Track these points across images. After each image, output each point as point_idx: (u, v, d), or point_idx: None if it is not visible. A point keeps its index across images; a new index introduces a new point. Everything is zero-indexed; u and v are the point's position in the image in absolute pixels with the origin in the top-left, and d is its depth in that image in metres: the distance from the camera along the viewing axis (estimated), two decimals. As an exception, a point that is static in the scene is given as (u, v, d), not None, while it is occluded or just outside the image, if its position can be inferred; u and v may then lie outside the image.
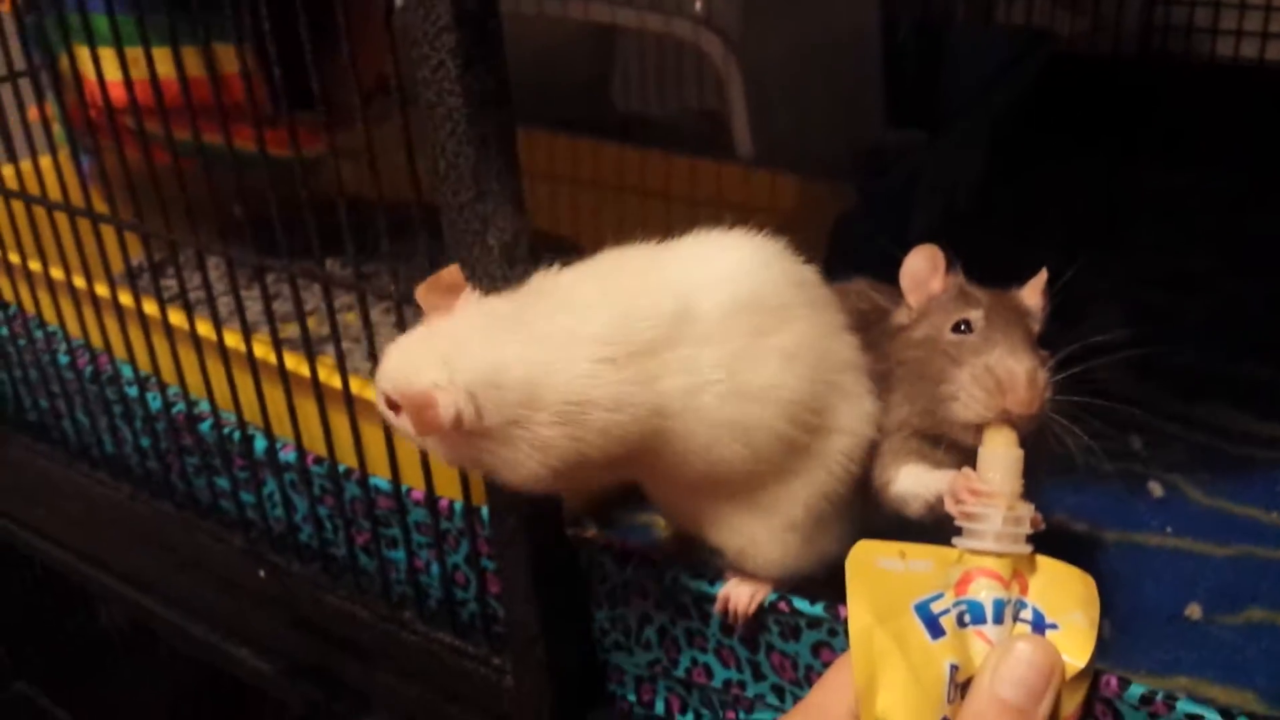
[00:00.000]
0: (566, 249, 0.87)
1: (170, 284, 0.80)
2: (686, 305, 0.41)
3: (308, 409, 0.56)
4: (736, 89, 0.85)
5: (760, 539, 0.45)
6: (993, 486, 0.39)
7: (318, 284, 0.52)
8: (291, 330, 0.63)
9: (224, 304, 0.65)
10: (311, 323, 0.66)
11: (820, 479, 0.44)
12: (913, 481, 0.44)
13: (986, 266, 0.47)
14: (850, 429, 0.44)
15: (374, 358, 0.50)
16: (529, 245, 0.44)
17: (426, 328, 0.41)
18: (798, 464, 0.44)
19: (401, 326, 0.48)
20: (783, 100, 0.88)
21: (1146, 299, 0.79)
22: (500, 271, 0.42)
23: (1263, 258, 0.83)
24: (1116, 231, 0.90)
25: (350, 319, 0.77)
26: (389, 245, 0.47)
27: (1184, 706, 0.38)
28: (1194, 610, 0.52)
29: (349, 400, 0.53)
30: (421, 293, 0.41)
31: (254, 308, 0.74)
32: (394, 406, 0.41)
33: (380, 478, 0.55)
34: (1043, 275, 0.46)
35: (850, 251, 0.74)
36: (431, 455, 0.45)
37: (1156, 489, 0.61)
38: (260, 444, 0.60)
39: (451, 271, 0.42)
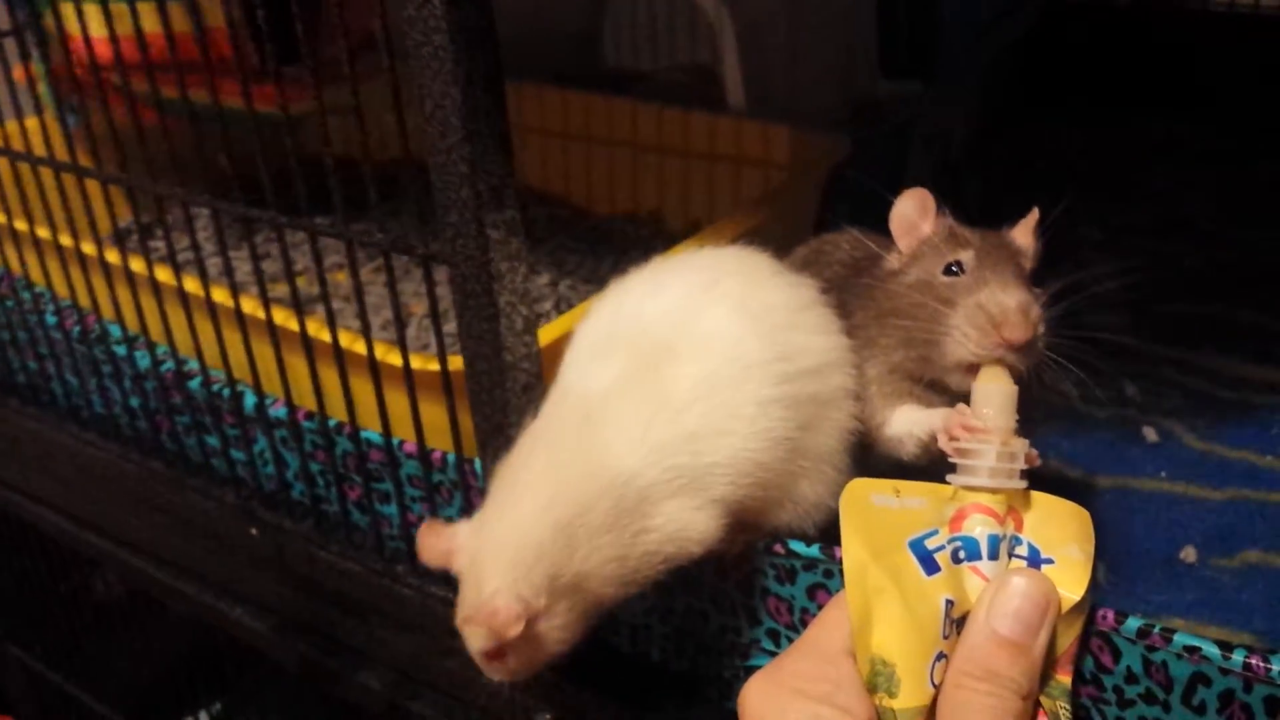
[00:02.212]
0: (556, 204, 0.87)
1: (159, 246, 0.79)
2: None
3: (297, 365, 0.55)
4: (729, 40, 0.84)
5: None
6: (987, 422, 0.39)
7: (306, 238, 0.51)
8: (281, 290, 0.62)
9: (212, 266, 0.64)
10: (301, 283, 0.65)
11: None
12: (906, 421, 0.43)
13: (981, 216, 0.46)
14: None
15: (362, 307, 0.49)
16: (518, 195, 0.43)
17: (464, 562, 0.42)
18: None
19: (391, 279, 0.48)
20: (776, 53, 0.87)
21: (1143, 247, 0.78)
22: (490, 216, 0.42)
23: (1260, 205, 0.83)
24: (1113, 180, 0.89)
25: (340, 278, 0.76)
26: (377, 200, 0.46)
27: (1181, 639, 0.37)
28: (1189, 553, 0.52)
29: (338, 354, 0.52)
30: (423, 551, 0.43)
31: (243, 268, 0.73)
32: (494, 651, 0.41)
33: (371, 431, 0.55)
34: (1034, 215, 0.45)
35: (845, 202, 0.74)
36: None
37: (1151, 434, 0.61)
38: (250, 400, 0.60)
39: (431, 524, 0.43)
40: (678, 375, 0.41)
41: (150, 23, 0.53)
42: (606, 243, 0.81)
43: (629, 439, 0.40)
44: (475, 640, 0.41)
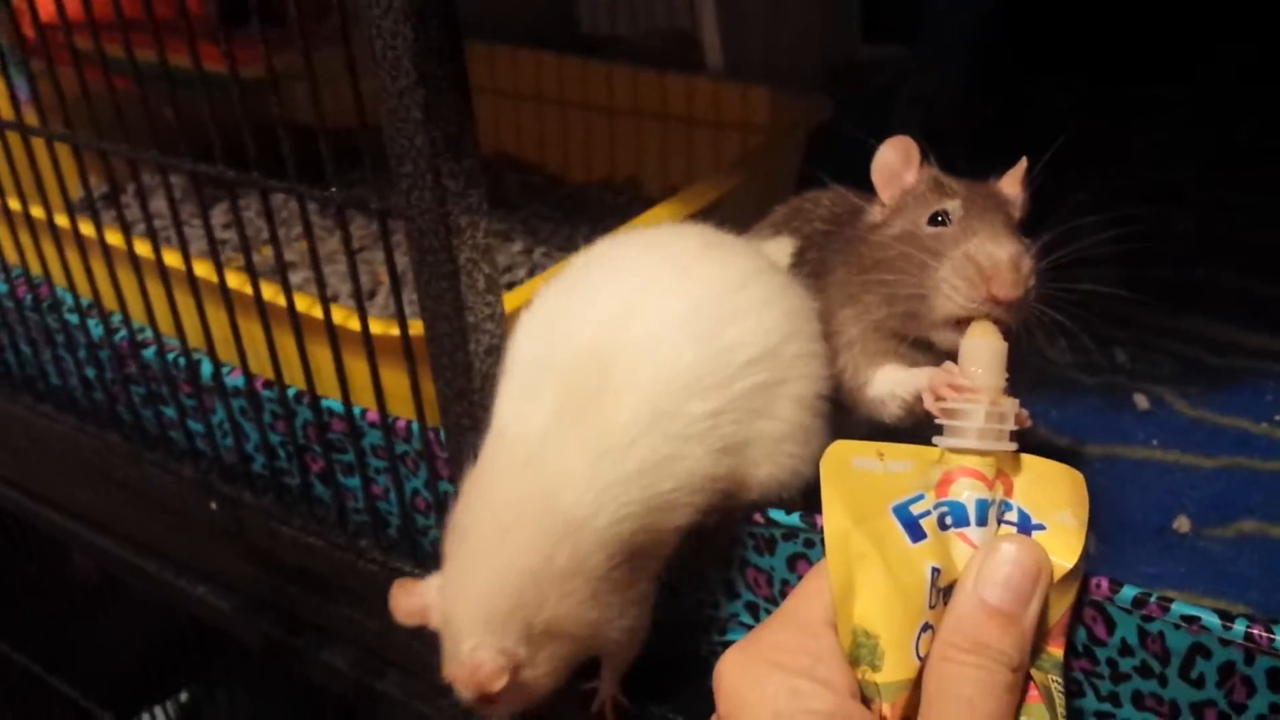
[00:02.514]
0: (531, 170, 0.85)
1: (110, 212, 0.76)
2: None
3: (255, 332, 0.53)
4: (707, 2, 0.81)
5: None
6: (975, 381, 0.37)
7: (271, 206, 0.48)
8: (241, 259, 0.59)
9: (170, 233, 0.61)
10: (267, 252, 0.63)
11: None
12: (890, 382, 0.41)
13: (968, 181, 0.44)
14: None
15: (317, 268, 0.47)
16: (477, 149, 0.40)
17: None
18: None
19: (346, 237, 0.45)
20: (755, 16, 0.85)
21: (1132, 211, 0.76)
22: (446, 166, 0.39)
23: (1247, 169, 0.81)
24: (1100, 143, 0.87)
25: (301, 246, 0.73)
26: (345, 170, 0.44)
27: (1179, 609, 0.36)
28: (1182, 523, 0.50)
29: (294, 319, 0.50)
30: (396, 610, 0.42)
31: (199, 240, 0.71)
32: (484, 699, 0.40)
33: (332, 400, 0.52)
34: (1022, 164, 0.43)
35: (827, 164, 0.72)
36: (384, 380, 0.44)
37: (1142, 401, 0.59)
38: (207, 369, 0.57)
39: (401, 583, 0.42)
40: (616, 407, 0.39)
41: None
42: (582, 210, 0.78)
43: (576, 484, 0.39)
44: (464, 695, 0.40)
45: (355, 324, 0.47)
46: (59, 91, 0.56)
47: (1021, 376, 0.38)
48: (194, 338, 0.56)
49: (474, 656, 0.38)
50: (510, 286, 0.54)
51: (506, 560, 0.39)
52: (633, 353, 0.39)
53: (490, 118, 0.86)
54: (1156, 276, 0.69)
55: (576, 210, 0.78)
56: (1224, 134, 0.87)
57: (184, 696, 1.02)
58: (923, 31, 0.90)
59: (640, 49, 0.95)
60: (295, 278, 0.66)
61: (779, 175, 0.71)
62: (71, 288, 0.63)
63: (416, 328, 0.46)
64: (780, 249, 0.49)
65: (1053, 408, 0.58)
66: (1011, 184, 0.43)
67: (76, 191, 0.60)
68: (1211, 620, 0.35)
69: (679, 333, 0.40)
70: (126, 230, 0.56)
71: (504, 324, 0.44)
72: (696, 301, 0.40)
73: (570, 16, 1.02)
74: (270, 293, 0.51)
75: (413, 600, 0.42)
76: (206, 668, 0.96)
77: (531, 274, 0.71)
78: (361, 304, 0.46)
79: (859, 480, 0.36)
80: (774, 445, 0.42)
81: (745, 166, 0.67)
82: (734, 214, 0.59)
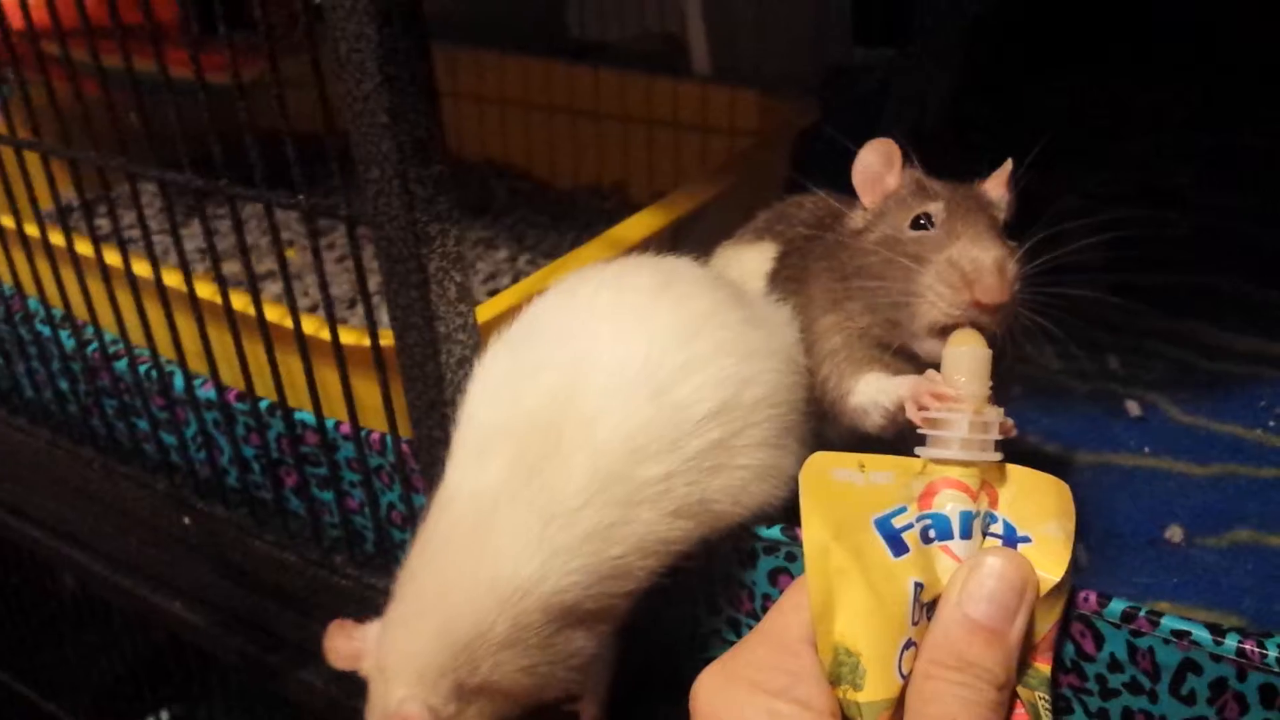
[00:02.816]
0: (518, 176, 0.84)
1: (81, 223, 0.75)
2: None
3: (226, 342, 0.51)
4: (693, 5, 0.81)
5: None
6: (958, 390, 0.36)
7: (252, 215, 0.47)
8: (226, 268, 0.58)
9: (137, 249, 0.60)
10: (233, 266, 0.61)
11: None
12: (872, 390, 0.40)
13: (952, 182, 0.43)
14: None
15: (286, 278, 0.46)
16: (447, 154, 0.39)
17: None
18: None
19: (315, 245, 0.44)
20: (745, 19, 0.84)
21: (1127, 214, 0.75)
22: (414, 172, 0.38)
23: (1247, 171, 0.80)
24: (1095, 147, 0.86)
25: (292, 254, 0.72)
26: (302, 175, 0.42)
27: (1169, 623, 0.34)
28: (1175, 532, 0.49)
29: (264, 329, 0.49)
30: (329, 652, 0.42)
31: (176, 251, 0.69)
32: None
33: (306, 412, 0.51)
34: (1008, 165, 0.42)
35: (814, 168, 0.71)
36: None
37: (1134, 408, 0.58)
38: (179, 382, 0.56)
39: (339, 625, 0.42)
40: (566, 470, 0.38)
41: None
42: (570, 216, 0.78)
43: (522, 550, 0.38)
44: None
45: (327, 334, 0.46)
46: (26, 99, 0.55)
47: (1011, 382, 0.37)
48: (166, 349, 0.55)
49: (401, 709, 0.38)
50: (495, 294, 0.53)
51: (445, 622, 0.38)
52: (583, 414, 0.38)
53: (477, 124, 0.85)
54: (1150, 281, 0.68)
55: (564, 216, 0.78)
56: (1222, 136, 0.86)
57: (165, 715, 1.00)
58: (914, 33, 0.89)
59: (630, 53, 0.94)
60: (276, 286, 0.65)
61: (767, 179, 0.70)
62: (43, 299, 0.62)
63: (388, 338, 0.45)
64: (762, 255, 0.48)
65: (1043, 415, 0.57)
66: (996, 185, 0.42)
67: (48, 202, 0.58)
68: (1202, 635, 0.34)
69: (629, 392, 0.38)
70: (96, 241, 0.55)
71: (478, 334, 0.43)
72: (647, 357, 0.39)
73: (560, 21, 1.02)
74: (241, 303, 0.50)
75: (349, 644, 0.42)
76: (188, 686, 0.95)
77: (517, 281, 0.70)
78: (331, 314, 0.45)
79: (839, 493, 0.35)
80: (737, 492, 0.40)
81: (731, 171, 0.66)
82: (721, 218, 0.58)
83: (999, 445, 0.36)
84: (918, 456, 0.36)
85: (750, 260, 0.48)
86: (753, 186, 0.67)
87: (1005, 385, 0.38)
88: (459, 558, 0.38)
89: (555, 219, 0.77)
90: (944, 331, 0.38)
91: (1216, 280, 0.68)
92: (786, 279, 0.46)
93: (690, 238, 0.60)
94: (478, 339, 0.43)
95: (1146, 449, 0.55)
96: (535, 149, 0.83)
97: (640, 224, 0.58)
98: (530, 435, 0.38)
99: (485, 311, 0.46)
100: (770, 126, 0.72)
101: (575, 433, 0.38)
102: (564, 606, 0.38)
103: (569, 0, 1.01)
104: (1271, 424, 0.55)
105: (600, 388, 0.38)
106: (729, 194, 0.63)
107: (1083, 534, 0.47)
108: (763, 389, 0.40)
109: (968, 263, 0.37)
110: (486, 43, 0.85)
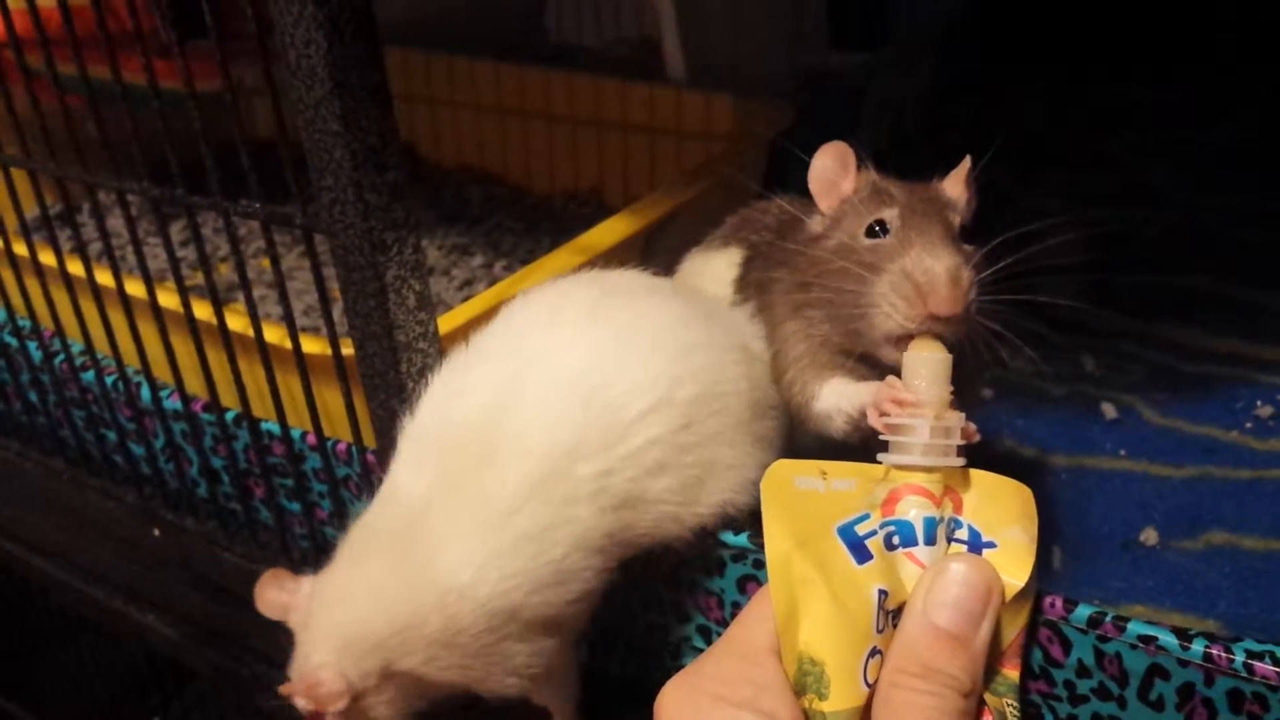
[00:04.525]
0: (493, 182, 0.83)
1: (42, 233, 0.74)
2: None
3: (190, 352, 0.51)
4: (667, 9, 0.80)
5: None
6: (919, 395, 0.35)
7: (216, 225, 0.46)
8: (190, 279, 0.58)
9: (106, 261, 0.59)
10: (221, 274, 0.61)
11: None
12: (835, 396, 0.40)
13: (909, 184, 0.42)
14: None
15: (246, 289, 0.45)
16: (401, 152, 0.39)
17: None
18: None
19: (273, 254, 0.44)
20: (720, 23, 0.83)
21: (1102, 216, 0.75)
22: (368, 179, 0.38)
23: (1227, 170, 0.80)
24: (1074, 147, 0.86)
25: (265, 264, 0.71)
26: (257, 183, 0.42)
27: (1135, 628, 0.34)
28: (1150, 535, 0.49)
29: (225, 337, 0.48)
30: (260, 601, 0.42)
31: (151, 260, 0.69)
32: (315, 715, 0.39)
33: (272, 422, 0.51)
34: (966, 163, 0.42)
35: (788, 172, 0.71)
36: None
37: (1110, 410, 0.57)
38: (146, 393, 0.55)
39: (274, 573, 0.42)
40: (499, 474, 0.38)
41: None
42: (546, 221, 0.77)
43: (454, 553, 0.38)
44: (298, 704, 0.39)
45: (289, 344, 0.45)
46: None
47: (975, 386, 0.37)
48: (132, 360, 0.54)
49: (316, 674, 0.38)
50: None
51: (383, 606, 0.38)
52: (518, 419, 0.38)
53: (452, 130, 0.84)
54: (1128, 281, 0.68)
55: (540, 222, 0.77)
56: (1201, 135, 0.86)
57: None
58: (891, 35, 0.88)
59: (607, 58, 0.94)
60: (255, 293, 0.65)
61: (741, 184, 0.70)
62: (9, 310, 0.61)
63: (350, 347, 0.44)
64: (728, 261, 0.48)
65: (1019, 417, 0.57)
66: (955, 184, 0.41)
67: (11, 216, 0.58)
68: (1169, 640, 0.33)
69: (561, 400, 0.38)
70: (59, 252, 0.54)
71: (439, 342, 0.43)
72: (579, 367, 0.39)
73: (538, 26, 1.01)
74: (204, 313, 0.50)
75: (280, 595, 0.41)
76: (168, 699, 0.94)
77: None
78: (292, 324, 0.44)
79: (802, 501, 0.35)
80: (690, 489, 0.40)
81: (704, 176, 0.66)
82: (695, 223, 0.57)
83: (962, 450, 0.35)
84: (880, 463, 0.36)
85: (717, 266, 0.48)
86: (726, 191, 0.67)
87: (971, 388, 0.37)
88: (394, 553, 0.38)
89: (531, 225, 0.77)
90: (902, 340, 0.37)
91: (1194, 280, 0.68)
92: (751, 285, 0.45)
93: (664, 244, 0.60)
94: (439, 347, 0.43)
95: (1123, 451, 0.54)
96: (511, 155, 0.83)
97: (611, 230, 0.58)
98: (467, 443, 0.38)
99: (447, 321, 0.46)
100: (744, 131, 0.71)
101: (509, 441, 0.38)
102: (506, 611, 0.38)
103: (547, 5, 1.01)
104: (1249, 425, 0.55)
105: (534, 399, 0.38)
106: (702, 199, 0.63)
107: (1058, 537, 0.47)
108: (698, 386, 0.40)
109: (921, 273, 0.36)
110: (464, 48, 0.84)
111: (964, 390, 0.36)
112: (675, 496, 0.40)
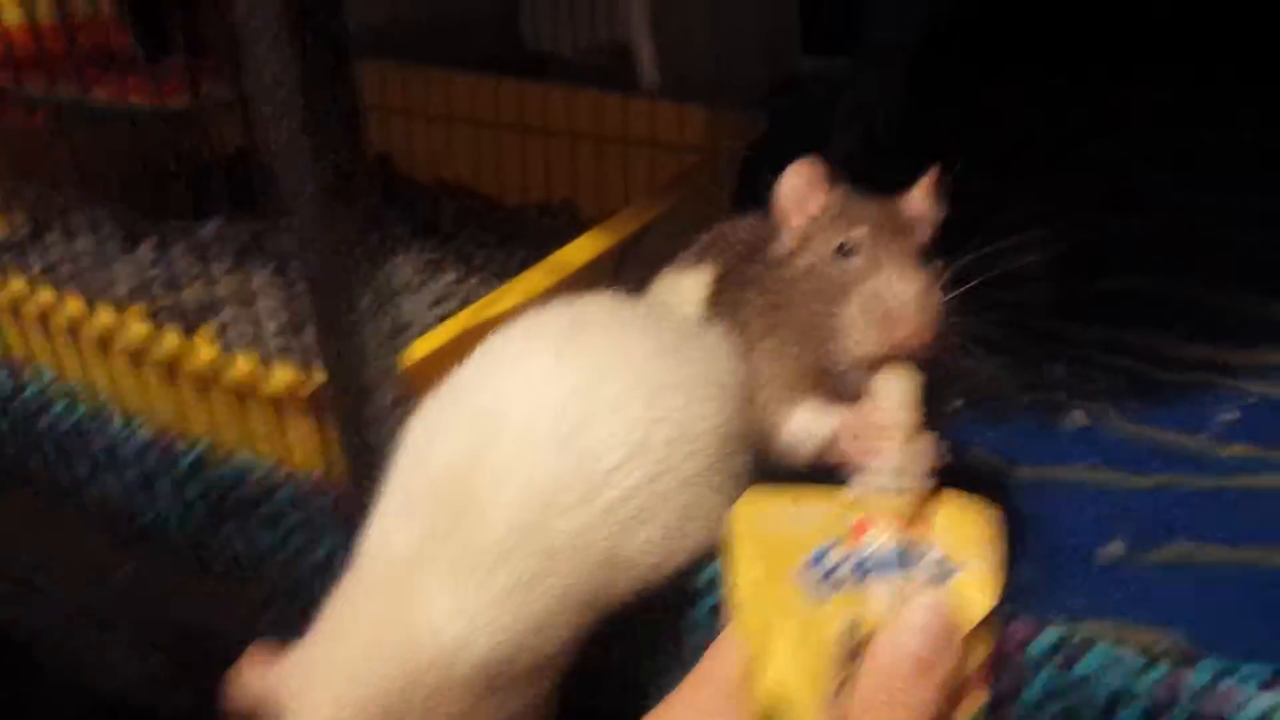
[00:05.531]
0: (465, 195, 0.83)
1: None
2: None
3: (161, 386, 0.50)
4: (640, 15, 0.80)
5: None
6: (888, 419, 0.35)
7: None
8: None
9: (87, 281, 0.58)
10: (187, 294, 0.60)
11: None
12: (805, 421, 0.40)
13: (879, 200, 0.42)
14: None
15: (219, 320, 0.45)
16: (374, 175, 0.38)
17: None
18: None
19: (246, 278, 0.43)
20: (693, 29, 0.83)
21: (1079, 221, 0.75)
22: (341, 208, 0.37)
23: (1211, 173, 0.79)
24: (1054, 150, 0.86)
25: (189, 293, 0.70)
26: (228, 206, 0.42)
27: (1100, 652, 0.34)
28: (1117, 547, 0.49)
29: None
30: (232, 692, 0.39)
31: (125, 282, 0.68)
32: None
33: (243, 455, 0.50)
34: (933, 175, 0.42)
35: (760, 184, 0.71)
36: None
37: (1079, 418, 0.58)
38: (116, 426, 0.55)
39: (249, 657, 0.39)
40: (483, 525, 0.37)
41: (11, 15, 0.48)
42: (519, 235, 0.77)
43: (441, 610, 0.37)
44: None
45: (258, 378, 0.45)
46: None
47: (948, 397, 0.37)
48: (104, 390, 0.54)
49: None
50: (443, 319, 0.53)
51: (373, 674, 0.36)
52: (495, 470, 0.37)
53: (424, 141, 0.84)
54: (1103, 287, 0.68)
55: (512, 235, 0.77)
56: (1186, 138, 0.86)
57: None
58: (864, 40, 0.88)
59: (581, 67, 0.94)
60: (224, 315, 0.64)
61: (714, 195, 0.70)
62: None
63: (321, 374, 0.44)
64: (700, 281, 0.48)
65: (988, 427, 0.57)
66: (919, 199, 0.41)
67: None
68: (1133, 663, 0.34)
69: (537, 445, 0.38)
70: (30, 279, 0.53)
71: (412, 373, 0.42)
72: (553, 408, 0.38)
73: (514, 33, 1.01)
74: (173, 345, 0.49)
75: (260, 681, 0.39)
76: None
77: (465, 305, 0.70)
78: (263, 356, 0.44)
79: (771, 530, 0.35)
80: (670, 538, 0.40)
81: (677, 189, 0.66)
82: (669, 237, 0.57)
83: (933, 472, 0.36)
84: (850, 489, 0.36)
85: (689, 286, 0.48)
86: (700, 203, 0.67)
87: (945, 399, 0.37)
88: (377, 618, 0.37)
89: (504, 238, 0.76)
90: (873, 364, 0.37)
91: (1172, 286, 0.68)
92: (723, 305, 0.45)
93: (638, 257, 0.60)
94: (412, 378, 0.43)
95: (1091, 461, 0.55)
96: (483, 166, 0.83)
97: (584, 247, 0.58)
98: (447, 493, 0.38)
99: (420, 347, 0.46)
100: (719, 142, 0.71)
101: (488, 489, 0.37)
102: (500, 663, 0.37)
103: (522, 12, 1.01)
104: (1218, 433, 0.55)
105: (510, 442, 0.38)
106: (676, 212, 0.63)
107: (1024, 552, 0.47)
108: (675, 428, 0.39)
109: (891, 298, 0.36)
110: (439, 55, 0.84)
111: (934, 403, 0.36)
112: (657, 550, 0.39)
